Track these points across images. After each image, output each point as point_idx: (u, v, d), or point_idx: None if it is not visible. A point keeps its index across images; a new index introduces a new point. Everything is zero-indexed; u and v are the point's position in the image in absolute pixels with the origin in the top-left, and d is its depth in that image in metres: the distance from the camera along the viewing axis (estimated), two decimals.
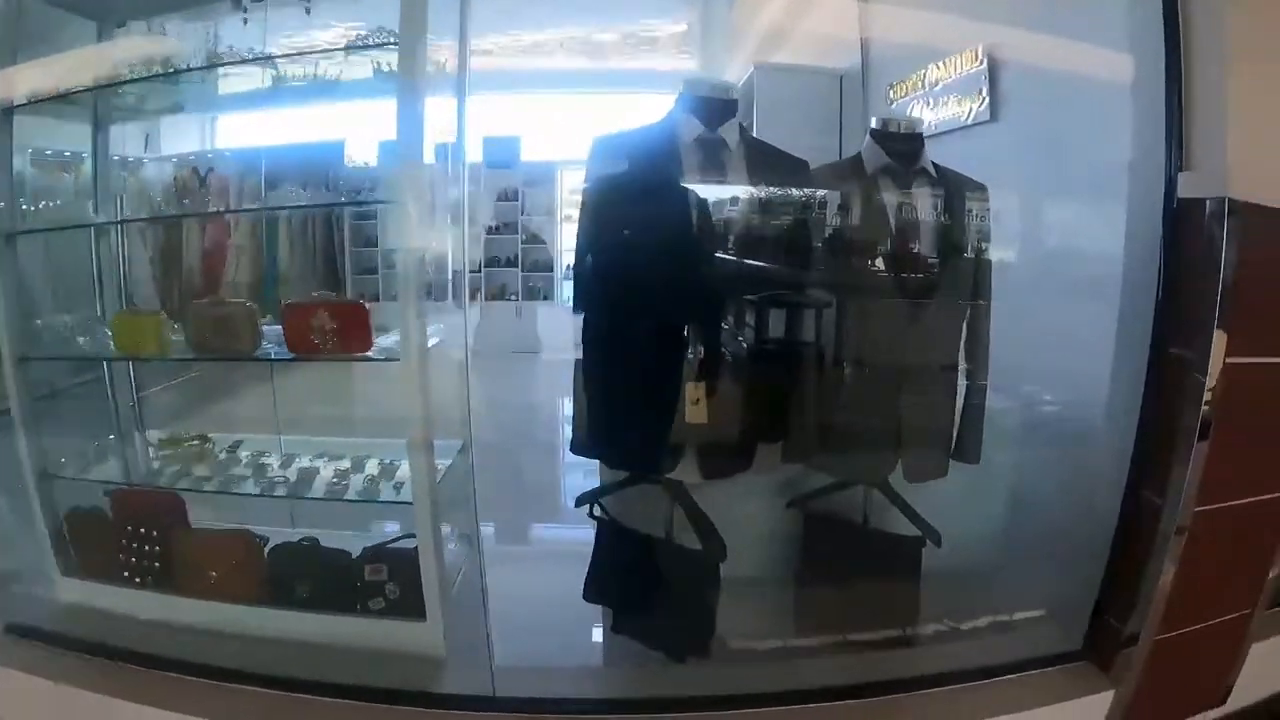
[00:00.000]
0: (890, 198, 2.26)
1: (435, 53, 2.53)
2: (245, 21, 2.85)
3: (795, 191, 2.20)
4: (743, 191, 2.19)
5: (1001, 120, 3.39)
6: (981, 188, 2.37)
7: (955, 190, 2.32)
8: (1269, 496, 2.36)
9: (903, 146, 2.28)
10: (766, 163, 2.22)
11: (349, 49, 2.52)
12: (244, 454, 3.14)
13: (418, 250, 2.30)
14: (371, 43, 2.46)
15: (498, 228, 8.08)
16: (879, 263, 2.28)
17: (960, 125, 3.56)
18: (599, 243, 2.21)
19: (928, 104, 3.83)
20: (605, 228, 2.19)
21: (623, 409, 2.23)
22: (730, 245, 2.24)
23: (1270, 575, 2.50)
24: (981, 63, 3.44)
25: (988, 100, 3.42)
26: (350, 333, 2.56)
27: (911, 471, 2.39)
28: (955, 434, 2.43)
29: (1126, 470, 2.38)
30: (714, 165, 2.13)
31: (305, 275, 7.29)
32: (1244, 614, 2.50)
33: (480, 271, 7.80)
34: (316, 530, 2.80)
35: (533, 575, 3.36)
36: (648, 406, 2.18)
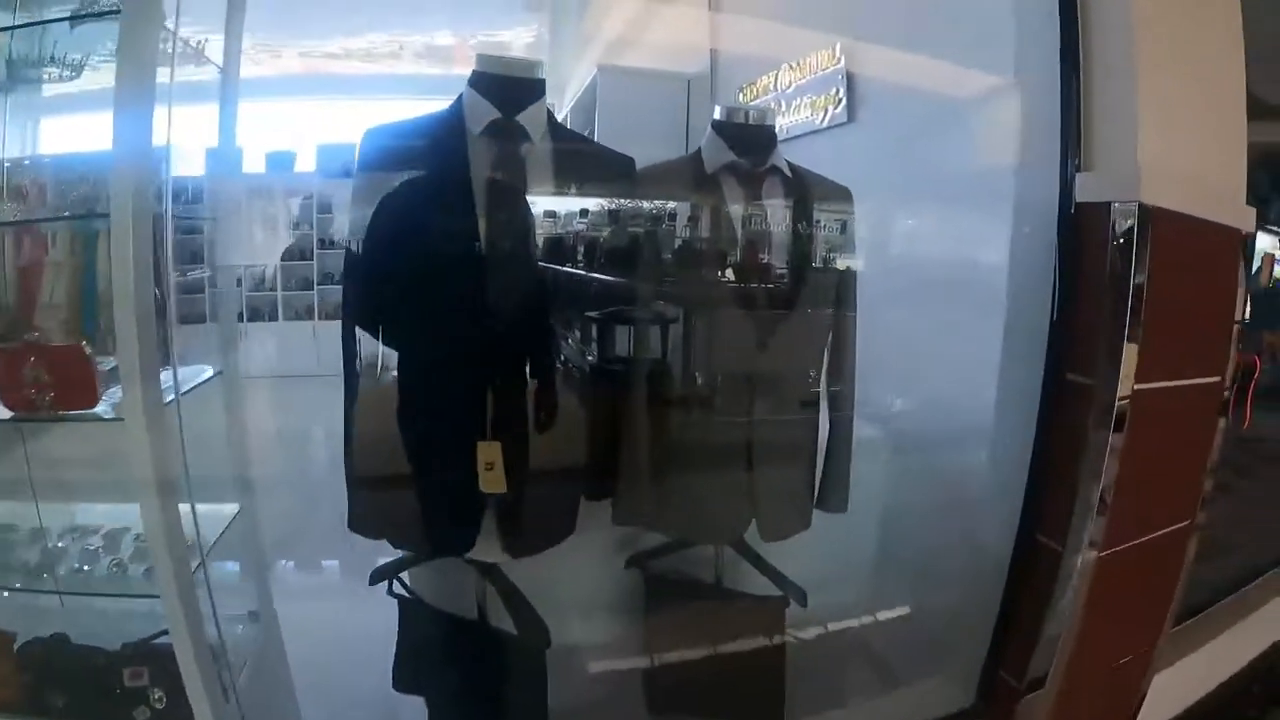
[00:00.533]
0: (735, 201, 1.83)
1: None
2: None
3: (616, 195, 1.74)
4: (548, 195, 1.73)
5: (859, 122, 3.04)
6: (844, 191, 1.96)
7: (813, 194, 1.90)
8: (1175, 528, 2.12)
9: (751, 141, 1.84)
10: (581, 159, 1.76)
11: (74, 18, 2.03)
12: None
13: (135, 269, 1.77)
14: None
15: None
16: (721, 278, 1.84)
17: (815, 129, 3.21)
18: (361, 259, 1.71)
19: (780, 107, 3.46)
20: (371, 241, 1.68)
21: (397, 476, 1.75)
22: (533, 258, 1.76)
23: (1173, 605, 2.28)
24: (839, 62, 3.09)
25: (844, 101, 3.06)
26: (69, 385, 2.00)
27: (769, 529, 1.95)
28: (818, 479, 2.03)
29: (1019, 510, 2.07)
30: (510, 160, 1.65)
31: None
32: (1147, 649, 2.29)
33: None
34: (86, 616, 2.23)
35: (345, 651, 2.77)
36: (426, 472, 1.72)
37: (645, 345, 1.90)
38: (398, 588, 2.01)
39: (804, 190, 1.89)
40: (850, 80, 3.04)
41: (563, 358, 1.81)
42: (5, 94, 2.47)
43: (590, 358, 1.92)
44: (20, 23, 2.13)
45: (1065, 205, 1.92)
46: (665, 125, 4.30)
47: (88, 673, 2.18)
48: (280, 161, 7.23)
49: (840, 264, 1.94)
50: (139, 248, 1.78)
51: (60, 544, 2.38)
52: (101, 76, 2.38)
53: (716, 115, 1.88)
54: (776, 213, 1.84)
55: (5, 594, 2.30)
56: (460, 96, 1.71)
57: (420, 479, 1.72)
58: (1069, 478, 1.91)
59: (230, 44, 2.43)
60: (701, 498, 1.92)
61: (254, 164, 7.57)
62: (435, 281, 1.63)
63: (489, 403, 1.66)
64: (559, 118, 5.19)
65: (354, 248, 1.69)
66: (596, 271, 1.78)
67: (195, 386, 2.20)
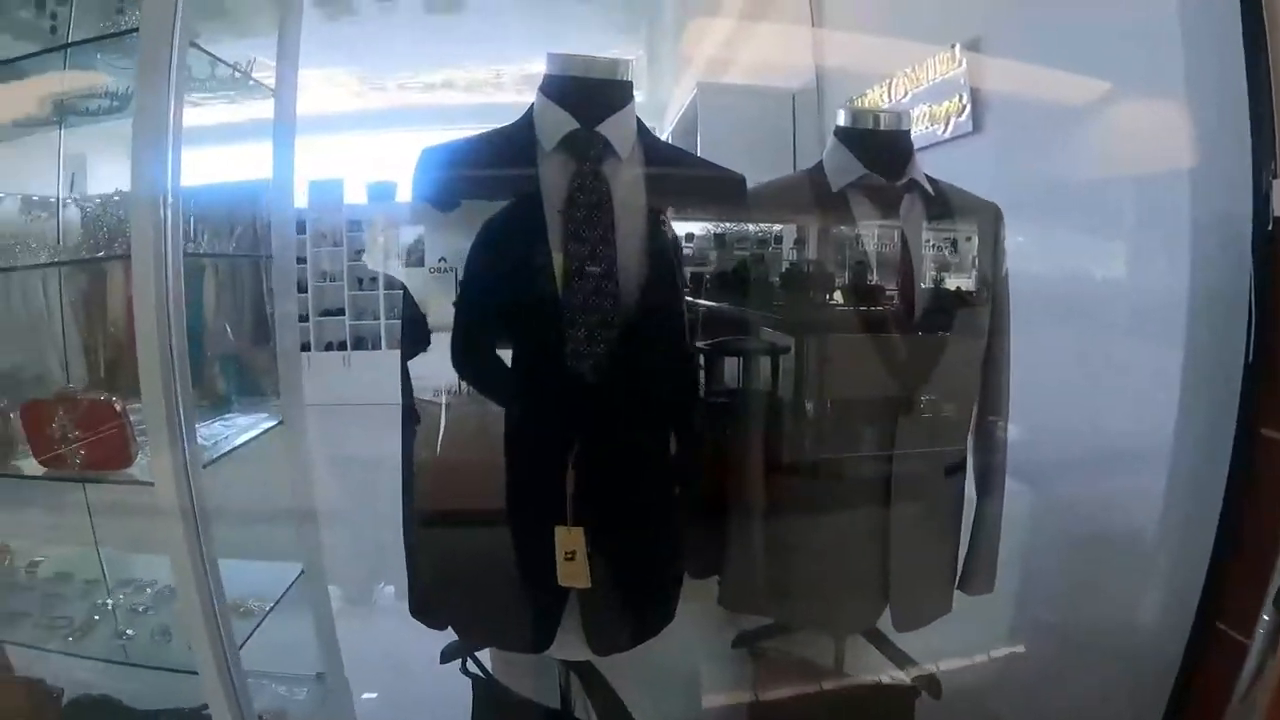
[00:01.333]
0: (868, 223, 1.48)
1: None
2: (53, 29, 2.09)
3: (720, 219, 1.40)
4: (637, 220, 1.32)
5: (986, 131, 2.64)
6: (993, 209, 1.58)
7: (960, 214, 1.54)
8: None
9: (884, 151, 1.48)
10: (679, 177, 1.41)
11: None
12: (43, 575, 2.34)
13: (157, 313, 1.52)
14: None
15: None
16: (852, 313, 1.49)
17: (936, 140, 2.82)
18: (411, 304, 1.42)
19: None
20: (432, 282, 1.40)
21: (461, 558, 1.45)
22: (620, 296, 1.32)
23: None
24: (960, 64, 2.70)
25: (968, 108, 2.67)
26: (99, 443, 1.77)
27: (904, 618, 1.59)
28: (961, 557, 1.66)
29: (1196, 589, 1.70)
30: (591, 179, 1.31)
31: (232, 327, 6.61)
32: None
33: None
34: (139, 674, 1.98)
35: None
36: (495, 558, 1.40)
37: (758, 392, 1.56)
38: (472, 666, 1.70)
39: (948, 208, 1.52)
40: (974, 84, 2.66)
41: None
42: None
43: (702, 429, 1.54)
44: (40, 49, 1.94)
45: (1261, 221, 1.56)
46: (771, 143, 3.98)
47: None
48: (380, 193, 7.18)
49: (994, 300, 1.57)
50: (159, 289, 1.54)
51: (108, 602, 2.18)
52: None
53: (841, 120, 1.52)
54: (916, 236, 1.49)
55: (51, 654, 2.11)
56: (530, 107, 1.38)
57: (488, 565, 1.41)
58: (1261, 558, 1.50)
59: (283, 71, 2.19)
60: (827, 581, 1.55)
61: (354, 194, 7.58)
62: (495, 330, 1.32)
63: (569, 478, 1.32)
64: (663, 137, 4.95)
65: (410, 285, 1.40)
66: (693, 319, 1.41)
67: (244, 443, 1.95)
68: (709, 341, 1.58)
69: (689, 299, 1.40)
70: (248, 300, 2.45)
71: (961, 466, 1.61)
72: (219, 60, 1.99)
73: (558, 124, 1.33)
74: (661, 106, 6.35)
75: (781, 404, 1.55)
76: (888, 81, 3.14)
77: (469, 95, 6.74)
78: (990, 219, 1.58)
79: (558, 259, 1.28)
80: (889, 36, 3.27)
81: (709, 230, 1.59)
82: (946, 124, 2.75)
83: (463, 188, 1.34)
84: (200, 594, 1.66)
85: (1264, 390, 1.57)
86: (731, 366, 1.62)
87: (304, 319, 7.75)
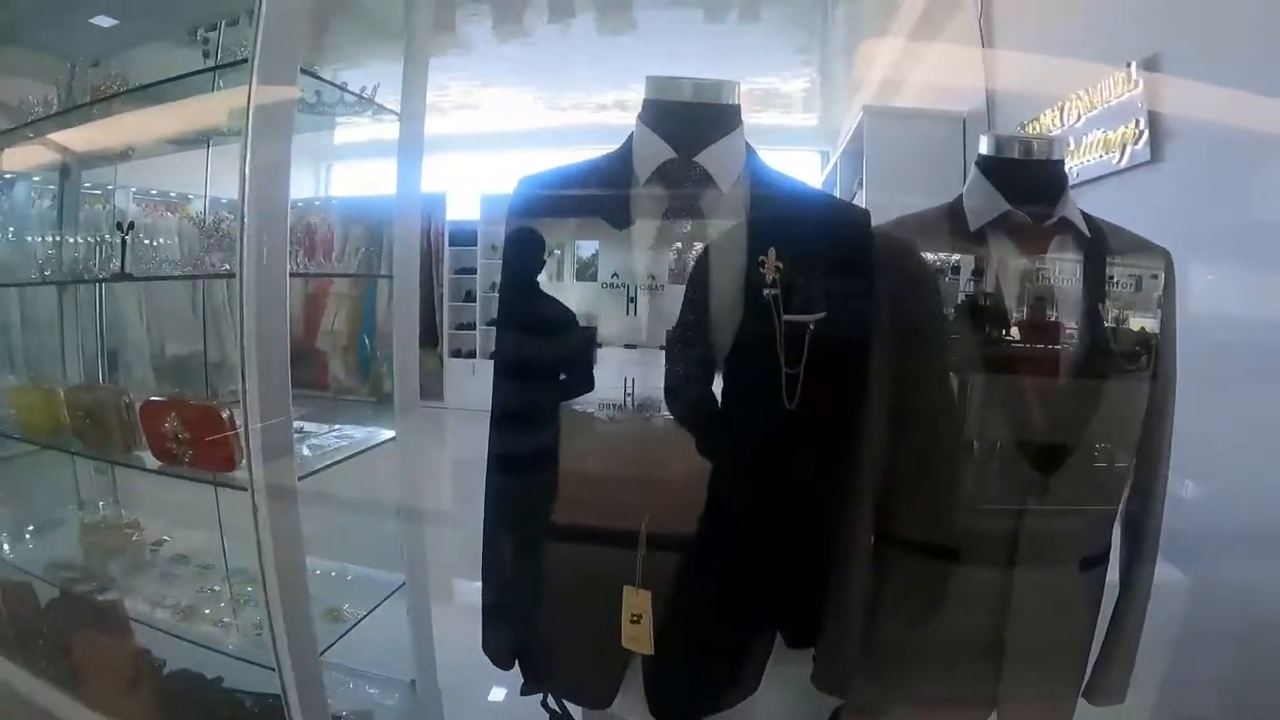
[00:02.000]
0: (1011, 269, 1.27)
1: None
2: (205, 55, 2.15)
3: (839, 261, 1.22)
4: (737, 260, 1.15)
5: (1167, 160, 2.35)
6: (1161, 255, 1.34)
7: (1121, 257, 1.32)
8: None
9: (1032, 184, 1.26)
10: (786, 211, 1.22)
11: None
12: (166, 554, 2.49)
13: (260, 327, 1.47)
14: None
15: None
16: (991, 385, 1.28)
17: (1110, 170, 2.54)
18: (511, 347, 1.32)
19: (1070, 144, 2.80)
20: (521, 322, 1.28)
21: (526, 600, 1.33)
22: (712, 342, 1.17)
23: None
24: (1136, 84, 2.41)
25: (1146, 134, 2.39)
26: (205, 444, 1.76)
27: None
28: (1092, 661, 1.42)
29: None
30: (687, 210, 1.17)
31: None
32: None
33: None
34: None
35: None
36: (557, 606, 1.29)
37: (881, 468, 1.36)
38: (551, 701, 1.59)
39: (1106, 251, 1.30)
40: (1153, 107, 2.37)
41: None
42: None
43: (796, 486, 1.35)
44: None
45: None
46: (939, 168, 3.66)
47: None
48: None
49: (1157, 360, 1.33)
50: (265, 306, 1.51)
51: (216, 588, 2.21)
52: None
53: (983, 149, 1.31)
54: (1071, 286, 1.28)
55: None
56: (630, 136, 1.25)
57: (557, 612, 1.29)
58: None
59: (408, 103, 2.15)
60: (930, 672, 1.36)
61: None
62: (569, 372, 1.19)
63: (642, 535, 1.17)
64: (829, 164, 4.74)
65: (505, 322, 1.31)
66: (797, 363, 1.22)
67: (355, 454, 1.93)
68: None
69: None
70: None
71: (1105, 551, 1.39)
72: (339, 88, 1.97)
73: (654, 153, 1.20)
74: (834, 131, 6.15)
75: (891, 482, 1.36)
76: (1059, 105, 2.86)
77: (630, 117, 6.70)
78: (1159, 264, 1.34)
79: (643, 299, 1.16)
80: (1062, 56, 2.97)
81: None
82: (1122, 152, 2.47)
83: (554, 214, 1.23)
84: (284, 597, 1.63)
85: None
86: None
87: (472, 327, 7.93)
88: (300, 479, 1.70)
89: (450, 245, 8.07)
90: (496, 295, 1.31)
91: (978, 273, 1.27)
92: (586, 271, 1.19)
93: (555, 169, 1.27)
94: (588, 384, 1.18)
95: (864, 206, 1.32)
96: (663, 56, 5.53)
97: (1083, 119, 2.73)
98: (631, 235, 1.18)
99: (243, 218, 1.52)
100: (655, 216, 1.18)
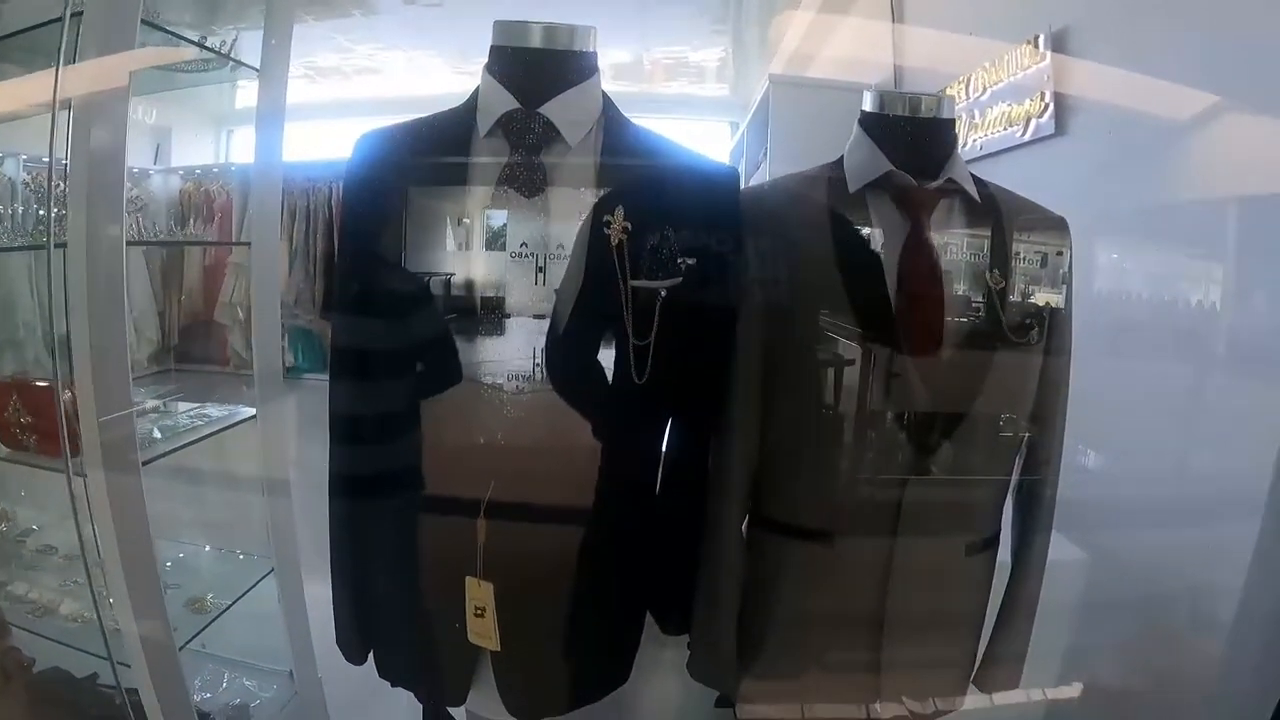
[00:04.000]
0: (890, 234, 1.15)
1: None
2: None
3: (708, 226, 1.07)
4: (583, 221, 1.02)
5: (1071, 134, 2.26)
6: (1058, 223, 1.24)
7: (1013, 225, 1.20)
8: None
9: (917, 143, 1.15)
10: (641, 168, 1.08)
11: None
12: (33, 545, 2.27)
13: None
14: None
15: None
16: (868, 357, 1.15)
17: (1015, 144, 2.45)
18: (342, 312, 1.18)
19: (973, 117, 2.71)
20: (355, 287, 1.12)
21: (377, 599, 1.19)
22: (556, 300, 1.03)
23: None
24: (1044, 58, 2.32)
25: (1051, 106, 2.30)
26: (47, 431, 1.58)
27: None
28: (980, 645, 1.33)
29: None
30: (528, 170, 1.03)
31: (304, 301, 6.57)
32: None
33: None
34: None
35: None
36: (414, 605, 1.14)
37: (752, 437, 1.23)
38: None
39: (997, 219, 1.19)
40: (1058, 81, 2.28)
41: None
42: None
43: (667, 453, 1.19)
44: None
45: None
46: (845, 141, 3.54)
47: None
48: None
49: (1050, 337, 1.22)
50: (96, 280, 1.34)
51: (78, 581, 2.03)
52: None
53: (866, 105, 1.21)
54: (959, 256, 1.16)
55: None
56: (477, 88, 1.11)
57: (404, 604, 1.15)
58: None
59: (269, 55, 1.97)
60: (820, 661, 1.25)
61: None
62: (404, 338, 1.05)
63: (480, 525, 1.04)
64: (737, 135, 4.63)
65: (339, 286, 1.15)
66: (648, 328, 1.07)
67: (209, 435, 1.75)
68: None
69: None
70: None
71: (995, 532, 1.28)
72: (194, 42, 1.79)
73: (495, 103, 1.06)
74: (746, 102, 6.04)
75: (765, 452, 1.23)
76: (965, 78, 2.77)
77: None
78: (1056, 234, 1.24)
79: (478, 266, 1.03)
80: (971, 30, 2.88)
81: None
82: (1026, 125, 2.38)
83: (390, 177, 1.08)
84: (131, 592, 1.48)
85: None
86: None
87: None
88: (146, 463, 1.52)
89: None
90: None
91: (856, 237, 1.14)
92: (427, 235, 1.05)
93: (400, 123, 1.12)
94: (454, 375, 1.04)
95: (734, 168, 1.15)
96: (576, 21, 5.35)
97: (988, 92, 2.64)
98: (469, 193, 1.05)
99: (50, 179, 1.35)
100: (494, 172, 1.04)
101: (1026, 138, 2.38)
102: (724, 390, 1.15)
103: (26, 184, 2.50)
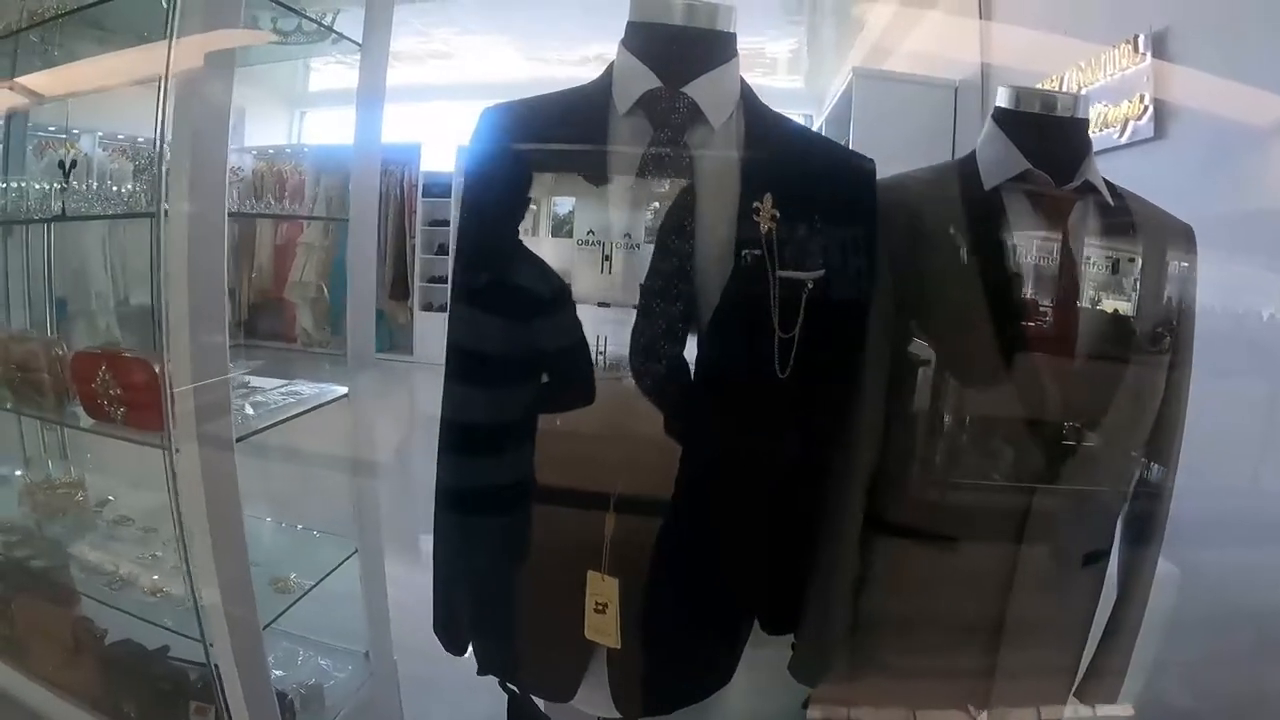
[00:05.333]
0: (1029, 234, 1.13)
1: None
2: None
3: (844, 216, 1.06)
4: (722, 207, 1.00)
5: (1171, 139, 2.22)
6: (1185, 231, 1.21)
7: (1144, 231, 1.18)
8: None
9: (1054, 144, 1.12)
10: (785, 154, 1.06)
11: None
12: (109, 515, 2.31)
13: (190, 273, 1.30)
14: None
15: None
16: (1002, 361, 1.14)
17: (1111, 145, 2.40)
18: (465, 303, 1.12)
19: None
20: (483, 278, 1.10)
21: (483, 583, 1.19)
22: (694, 299, 1.00)
23: None
24: (1144, 58, 2.28)
25: (1150, 109, 2.25)
26: (137, 404, 1.60)
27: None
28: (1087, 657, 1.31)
29: None
30: (674, 152, 0.99)
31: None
32: None
33: None
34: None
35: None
36: (527, 599, 1.14)
37: (878, 444, 1.21)
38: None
39: (1129, 224, 1.17)
40: (1159, 83, 2.23)
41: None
42: None
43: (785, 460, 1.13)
44: None
45: None
46: (928, 136, 3.57)
47: (171, 693, 1.96)
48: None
49: (1176, 342, 1.19)
50: (197, 251, 1.35)
51: (157, 553, 2.07)
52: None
53: (1001, 101, 1.17)
54: (1091, 257, 1.14)
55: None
56: (611, 65, 1.08)
57: (516, 596, 1.14)
58: None
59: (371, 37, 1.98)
60: (927, 665, 1.24)
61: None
62: (535, 332, 1.04)
63: (609, 520, 1.03)
64: (814, 127, 4.60)
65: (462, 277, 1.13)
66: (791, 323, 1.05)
67: (303, 413, 1.76)
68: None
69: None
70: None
71: (1108, 546, 1.26)
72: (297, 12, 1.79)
73: (635, 81, 1.03)
74: (820, 95, 6.00)
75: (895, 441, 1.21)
76: (1058, 76, 2.72)
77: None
78: (1181, 241, 1.21)
79: (617, 252, 1.00)
80: (1064, 29, 2.82)
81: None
82: (1124, 128, 2.33)
83: (522, 158, 1.05)
84: (219, 570, 1.48)
85: None
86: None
87: (444, 280, 7.70)
88: (239, 439, 1.53)
89: (424, 197, 7.77)
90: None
91: (991, 236, 1.12)
92: (562, 225, 1.03)
93: (524, 100, 1.09)
94: (586, 396, 1.03)
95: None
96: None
97: (1083, 91, 2.58)
98: (609, 175, 1.02)
99: (159, 150, 1.36)
100: (636, 153, 1.01)
101: (1124, 140, 2.32)
102: (854, 388, 1.13)
103: (105, 160, 2.53)
